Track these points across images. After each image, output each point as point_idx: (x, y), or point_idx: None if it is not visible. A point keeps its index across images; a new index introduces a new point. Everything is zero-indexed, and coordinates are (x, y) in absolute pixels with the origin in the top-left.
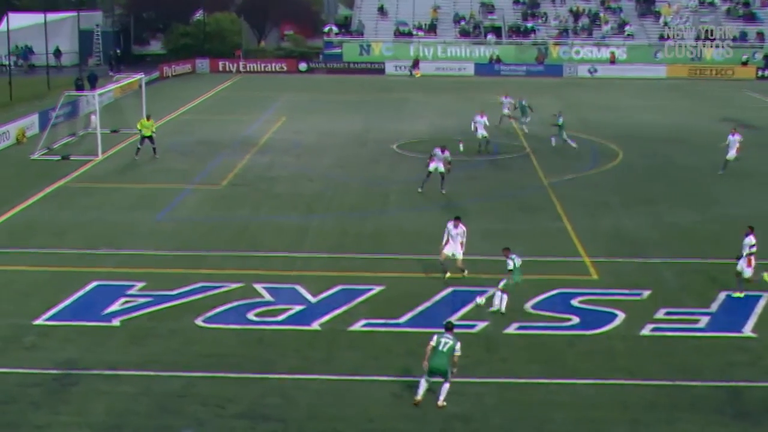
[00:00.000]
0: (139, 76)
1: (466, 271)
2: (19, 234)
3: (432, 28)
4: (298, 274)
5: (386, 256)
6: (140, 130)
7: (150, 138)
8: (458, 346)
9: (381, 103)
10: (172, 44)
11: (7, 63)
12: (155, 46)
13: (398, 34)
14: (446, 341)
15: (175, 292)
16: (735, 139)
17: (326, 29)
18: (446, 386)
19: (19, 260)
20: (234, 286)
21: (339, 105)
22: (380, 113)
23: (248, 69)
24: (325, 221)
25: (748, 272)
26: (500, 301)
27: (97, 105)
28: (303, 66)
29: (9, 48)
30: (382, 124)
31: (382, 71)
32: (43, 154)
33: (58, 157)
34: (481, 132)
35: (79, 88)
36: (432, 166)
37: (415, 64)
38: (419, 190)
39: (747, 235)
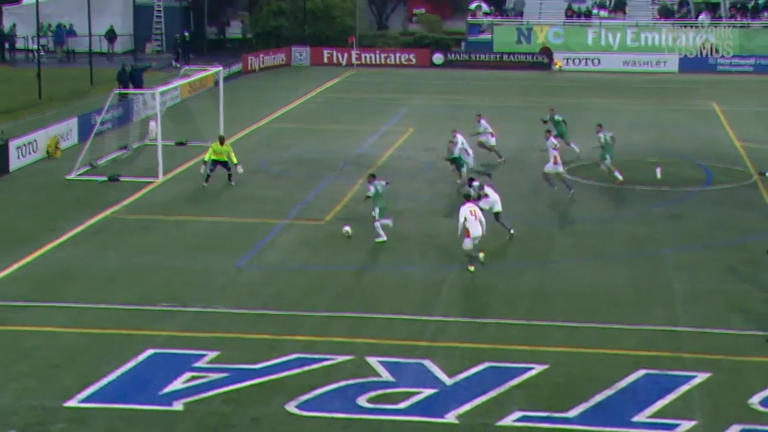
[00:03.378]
0: (216, 70)
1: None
2: (48, 283)
3: (619, 6)
4: (428, 345)
5: (550, 322)
6: (208, 161)
7: (224, 164)
8: None
9: (545, 111)
10: (260, 27)
11: (35, 48)
12: (237, 29)
13: (571, 14)
14: None
15: (259, 366)
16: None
17: (472, 6)
18: None
19: (48, 318)
20: (341, 359)
21: (487, 113)
22: (544, 125)
23: (364, 61)
24: (466, 273)
25: None
26: (383, 231)
27: (158, 108)
28: (438, 58)
29: (38, 28)
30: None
31: (547, 65)
32: (83, 173)
33: (104, 178)
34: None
35: (124, 82)
36: (470, 238)
37: (548, 53)
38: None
39: None
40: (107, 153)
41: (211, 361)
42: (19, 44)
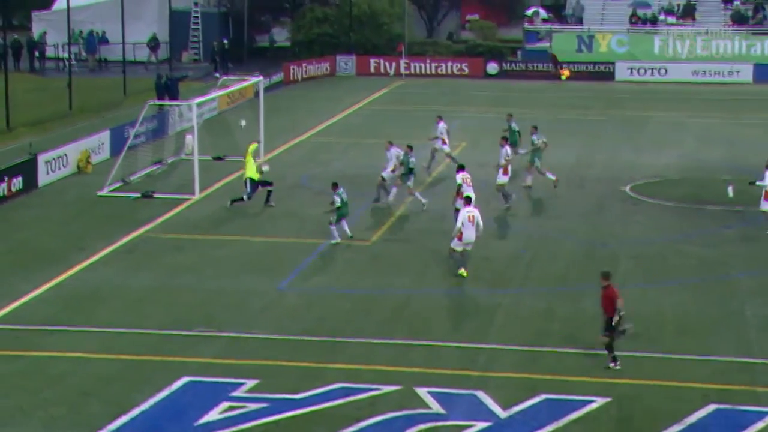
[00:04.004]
0: (256, 80)
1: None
2: (78, 305)
3: (689, 12)
4: (480, 375)
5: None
6: (248, 178)
7: (265, 183)
8: None
9: (608, 124)
10: (303, 34)
11: (66, 57)
12: (279, 36)
13: (636, 20)
14: None
15: (301, 396)
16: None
17: (529, 12)
18: None
19: (77, 343)
20: (387, 389)
21: (545, 126)
22: (607, 139)
23: (413, 71)
24: (522, 298)
25: None
26: (337, 234)
27: (194, 120)
28: (492, 68)
29: (69, 35)
30: (609, 156)
31: (610, 76)
32: (115, 189)
33: (137, 194)
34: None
35: (161, 93)
36: (462, 241)
37: (554, 62)
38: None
39: None
40: (141, 168)
41: (249, 391)
42: (50, 52)
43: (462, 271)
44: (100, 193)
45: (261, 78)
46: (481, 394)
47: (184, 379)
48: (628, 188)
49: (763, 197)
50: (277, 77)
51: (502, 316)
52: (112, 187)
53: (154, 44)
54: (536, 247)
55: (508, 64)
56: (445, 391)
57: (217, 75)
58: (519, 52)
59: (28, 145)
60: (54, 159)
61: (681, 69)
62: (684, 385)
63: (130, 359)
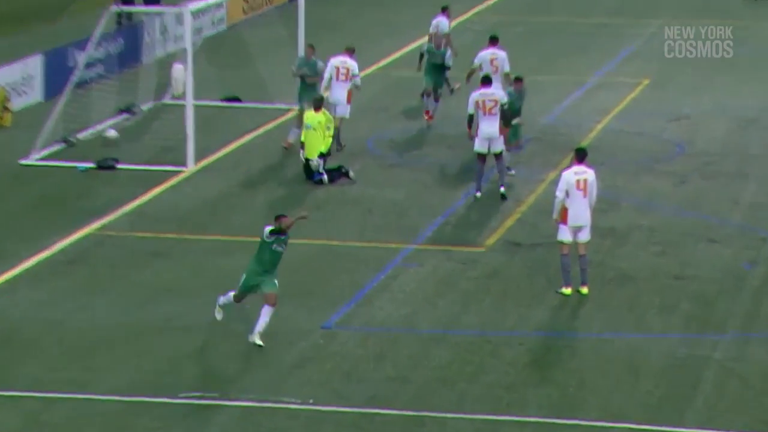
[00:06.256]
0: None
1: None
2: None
3: None
4: None
5: None
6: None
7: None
8: None
9: None
10: None
11: None
12: None
13: None
14: None
15: None
16: None
17: None
18: None
19: None
20: None
21: None
22: None
23: None
24: (747, 348)
25: None
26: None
27: (188, 39)
28: None
29: None
30: None
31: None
32: (51, 155)
33: (90, 165)
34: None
35: None
36: (569, 225)
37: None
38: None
39: None
40: (96, 119)
41: None
42: None
43: (570, 289)
44: (24, 162)
45: None
46: None
47: None
48: None
49: None
50: None
51: (711, 380)
52: (46, 152)
53: None
54: None
55: None
56: None
57: None
58: None
59: None
60: None
61: None
62: None
63: None
